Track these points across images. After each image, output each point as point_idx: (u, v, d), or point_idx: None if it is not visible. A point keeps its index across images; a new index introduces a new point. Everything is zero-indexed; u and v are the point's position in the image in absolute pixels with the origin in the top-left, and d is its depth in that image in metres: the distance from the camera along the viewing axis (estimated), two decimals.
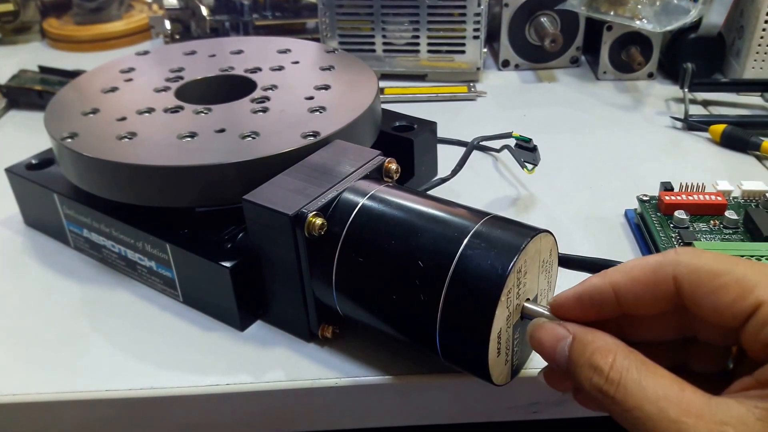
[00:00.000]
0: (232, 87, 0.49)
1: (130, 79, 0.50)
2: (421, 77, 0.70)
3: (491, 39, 0.74)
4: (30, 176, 0.47)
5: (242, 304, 0.38)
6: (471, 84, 0.67)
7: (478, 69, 0.68)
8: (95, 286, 0.43)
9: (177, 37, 0.76)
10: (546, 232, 0.32)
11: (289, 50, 0.53)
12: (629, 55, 0.66)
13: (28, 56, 0.83)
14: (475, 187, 0.51)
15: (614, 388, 0.26)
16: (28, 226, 0.49)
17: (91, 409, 0.36)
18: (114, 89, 0.49)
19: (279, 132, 0.41)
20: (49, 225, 0.47)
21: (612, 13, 0.63)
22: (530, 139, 0.48)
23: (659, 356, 0.27)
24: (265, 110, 0.44)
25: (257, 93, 0.47)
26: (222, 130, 0.42)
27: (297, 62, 0.52)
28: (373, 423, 0.38)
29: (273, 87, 0.47)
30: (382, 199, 0.35)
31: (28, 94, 0.68)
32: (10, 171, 0.47)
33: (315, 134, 0.41)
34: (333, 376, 0.36)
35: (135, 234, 0.41)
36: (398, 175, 0.39)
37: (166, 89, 0.48)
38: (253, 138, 0.41)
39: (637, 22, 0.62)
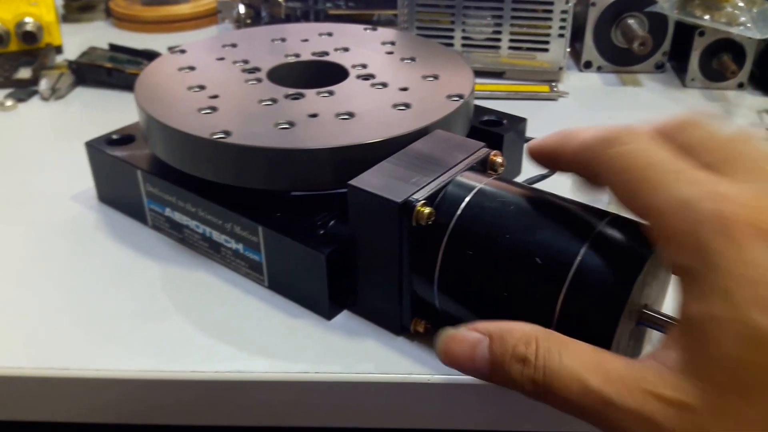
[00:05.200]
0: (324, 73, 0.47)
1: (221, 58, 0.49)
2: (498, 74, 0.67)
3: (572, 38, 0.72)
4: (112, 151, 0.45)
5: (333, 292, 0.37)
6: (553, 83, 0.65)
7: (561, 69, 0.66)
8: (176, 265, 0.42)
9: (248, 21, 0.75)
10: None
11: (393, 42, 0.52)
12: (721, 62, 0.63)
13: (92, 34, 0.82)
14: (559, 189, 0.49)
15: (541, 374, 0.26)
16: (101, 202, 0.48)
17: (175, 390, 0.34)
18: (210, 64, 0.48)
19: (375, 119, 0.40)
20: (126, 202, 0.46)
21: (707, 17, 0.60)
22: None
23: None
24: (358, 97, 0.43)
25: (350, 80, 0.46)
26: (315, 115, 0.41)
27: (391, 52, 0.50)
28: (460, 425, 0.36)
29: (369, 76, 0.46)
30: (493, 191, 0.33)
31: (98, 71, 0.67)
32: (91, 145, 0.46)
33: (412, 123, 0.39)
34: (425, 371, 0.34)
35: (225, 215, 0.39)
36: (503, 169, 0.37)
37: (257, 69, 0.47)
38: (349, 123, 0.40)
39: (735, 28, 0.59)
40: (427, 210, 0.32)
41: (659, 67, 0.68)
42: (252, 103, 0.42)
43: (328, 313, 0.37)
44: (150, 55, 0.68)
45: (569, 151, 0.30)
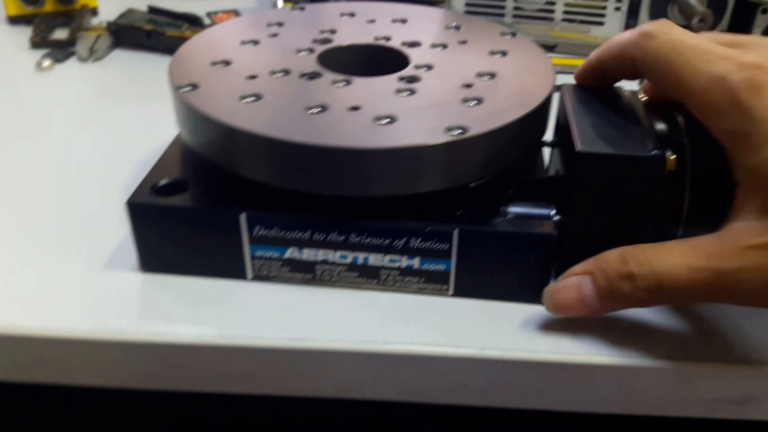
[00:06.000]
0: (380, 56, 0.42)
1: (283, 71, 0.39)
2: (549, 48, 0.65)
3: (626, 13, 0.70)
4: (176, 202, 0.35)
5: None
6: None
7: None
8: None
9: None
10: None
11: (459, 27, 0.46)
12: None
13: None
14: None
15: (651, 280, 0.29)
16: (147, 272, 0.37)
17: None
18: (268, 79, 0.38)
19: (517, 81, 0.38)
20: (199, 261, 0.36)
21: None
22: None
23: None
24: (466, 65, 0.40)
25: (438, 54, 0.41)
26: (469, 85, 0.37)
27: (404, 20, 0.46)
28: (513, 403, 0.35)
29: (442, 45, 0.43)
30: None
31: (137, 33, 0.65)
32: (137, 203, 0.35)
33: (547, 74, 0.38)
34: None
35: (396, 231, 0.34)
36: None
37: (317, 75, 0.39)
38: (503, 88, 0.37)
39: None
40: (673, 156, 0.31)
41: None
42: (394, 97, 0.36)
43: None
44: (191, 19, 0.67)
45: (615, 53, 0.34)
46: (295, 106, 0.35)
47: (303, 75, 0.38)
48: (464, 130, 0.33)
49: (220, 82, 0.37)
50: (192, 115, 0.34)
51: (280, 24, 0.45)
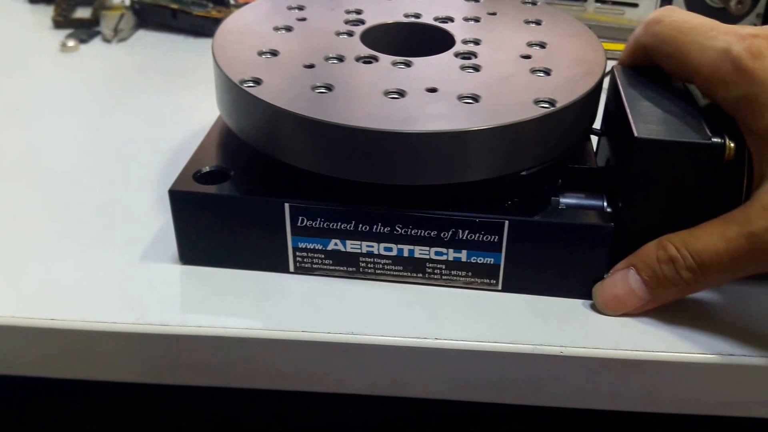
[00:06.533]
0: (422, 35, 0.42)
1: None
2: None
3: None
4: (221, 191, 0.34)
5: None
6: None
7: None
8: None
9: None
10: None
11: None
12: None
13: None
14: None
15: (691, 259, 0.30)
16: (186, 264, 0.36)
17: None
18: (327, 63, 0.36)
19: (572, 58, 0.37)
20: (240, 253, 0.35)
21: None
22: None
23: None
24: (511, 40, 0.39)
25: (482, 29, 0.40)
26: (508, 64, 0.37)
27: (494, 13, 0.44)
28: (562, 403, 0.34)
29: (475, 19, 0.42)
30: None
31: (162, 12, 0.64)
32: (179, 192, 0.34)
33: (599, 52, 0.38)
34: None
35: (443, 222, 0.33)
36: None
37: (374, 58, 0.37)
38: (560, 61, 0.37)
39: None
40: (733, 144, 0.31)
41: None
42: (462, 74, 0.36)
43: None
44: None
45: (631, 47, 0.36)
46: (371, 93, 0.34)
47: (358, 59, 0.37)
48: (552, 102, 0.32)
49: (280, 74, 0.35)
50: (263, 111, 0.33)
51: (300, 7, 0.43)
